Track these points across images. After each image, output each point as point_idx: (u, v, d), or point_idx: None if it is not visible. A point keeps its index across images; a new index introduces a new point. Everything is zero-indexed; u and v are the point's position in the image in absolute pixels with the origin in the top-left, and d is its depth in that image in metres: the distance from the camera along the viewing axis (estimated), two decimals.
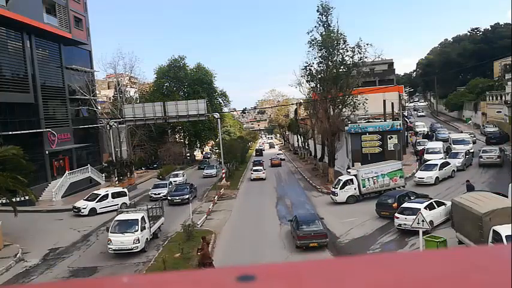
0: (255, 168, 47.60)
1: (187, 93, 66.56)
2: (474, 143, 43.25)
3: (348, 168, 36.13)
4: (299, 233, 20.02)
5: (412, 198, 23.76)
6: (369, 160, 35.96)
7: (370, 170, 29.91)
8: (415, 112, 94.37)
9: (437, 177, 30.89)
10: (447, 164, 32.31)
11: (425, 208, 20.90)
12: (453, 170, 32.37)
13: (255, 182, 44.17)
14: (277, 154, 69.71)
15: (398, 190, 27.81)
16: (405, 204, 22.28)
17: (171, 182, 40.63)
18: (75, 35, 43.62)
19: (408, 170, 35.81)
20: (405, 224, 20.36)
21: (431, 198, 23.14)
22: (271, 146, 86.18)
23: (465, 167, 34.61)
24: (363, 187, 29.25)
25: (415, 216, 18.05)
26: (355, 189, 29.18)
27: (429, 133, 55.08)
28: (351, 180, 29.44)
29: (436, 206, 21.56)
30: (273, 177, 47.38)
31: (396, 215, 21.50)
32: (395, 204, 23.43)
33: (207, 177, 48.70)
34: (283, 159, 63.04)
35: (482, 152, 36.02)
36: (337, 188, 29.55)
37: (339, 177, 31.49)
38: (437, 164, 31.72)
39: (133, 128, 46.84)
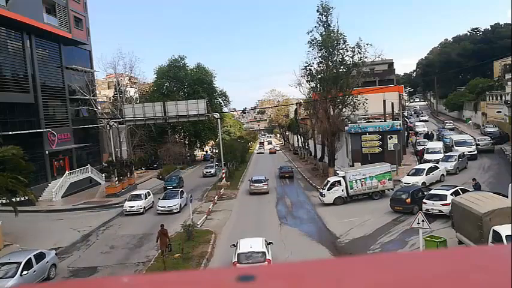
0: (258, 147, 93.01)
1: (187, 93, 66.54)
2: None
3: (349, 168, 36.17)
4: (280, 171, 46.25)
5: (425, 193, 24.71)
6: (369, 160, 35.94)
7: (358, 172, 29.81)
8: (416, 114, 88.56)
9: (423, 183, 30.19)
10: (435, 168, 31.68)
11: (451, 194, 22.30)
12: (442, 175, 31.73)
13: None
14: (274, 147, 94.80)
15: (412, 186, 28.07)
16: (433, 191, 24.30)
17: (41, 255, 18.60)
18: (75, 35, 43.64)
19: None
20: (432, 209, 22.66)
21: (456, 186, 24.21)
22: (269, 143, 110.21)
23: (457, 170, 33.54)
24: (351, 189, 29.15)
25: (441, 202, 21.63)
26: (342, 190, 29.12)
27: (429, 133, 55.02)
28: (339, 181, 29.40)
29: (461, 193, 22.67)
30: (272, 177, 47.35)
31: (424, 200, 23.38)
32: (408, 200, 24.49)
33: (163, 214, 29.47)
34: (278, 150, 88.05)
35: (479, 141, 42.16)
36: (324, 189, 29.58)
37: (328, 179, 31.53)
38: (424, 169, 31.24)
39: (133, 128, 46.84)
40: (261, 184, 36.22)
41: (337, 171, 33.67)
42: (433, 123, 72.28)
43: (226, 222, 27.08)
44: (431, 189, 25.85)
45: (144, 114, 42.35)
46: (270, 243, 18.31)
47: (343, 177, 29.60)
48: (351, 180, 29.20)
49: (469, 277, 0.78)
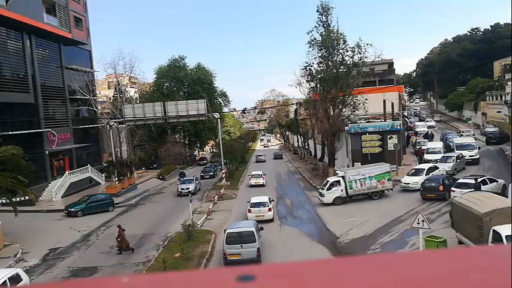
0: (261, 144, 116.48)
1: (187, 93, 66.55)
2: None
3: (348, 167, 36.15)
4: (274, 155, 71.91)
5: (451, 181, 26.68)
6: (369, 160, 35.91)
7: (358, 172, 29.76)
8: (418, 118, 79.43)
9: (448, 171, 31.08)
10: (435, 168, 31.44)
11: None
12: (442, 175, 31.46)
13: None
14: (269, 144, 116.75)
15: (441, 175, 29.35)
16: (461, 180, 25.79)
17: None
18: (75, 35, 43.64)
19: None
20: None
21: (483, 176, 25.94)
22: (268, 141, 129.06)
23: (455, 171, 33.12)
24: (350, 189, 29.09)
25: (468, 190, 21.90)
26: (342, 190, 29.10)
27: (429, 133, 54.96)
28: (338, 181, 29.41)
29: (488, 182, 24.64)
30: (273, 177, 47.40)
31: (452, 188, 24.61)
32: (441, 187, 26.01)
33: None
34: (273, 145, 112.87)
35: (463, 132, 50.18)
36: (324, 189, 29.60)
37: (327, 179, 31.54)
38: (424, 169, 31.12)
39: (133, 128, 46.84)
40: (261, 157, 68.41)
41: (336, 171, 33.70)
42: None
43: (226, 222, 27.05)
44: (456, 178, 27.86)
45: (144, 114, 42.36)
46: (273, 200, 28.37)
47: (343, 177, 29.60)
48: (350, 180, 29.17)
49: (469, 277, 0.78)
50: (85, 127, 46.29)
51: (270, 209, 25.97)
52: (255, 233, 18.55)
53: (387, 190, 29.66)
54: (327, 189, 29.28)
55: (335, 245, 20.86)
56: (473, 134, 48.83)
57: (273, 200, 28.18)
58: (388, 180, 29.62)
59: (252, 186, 39.52)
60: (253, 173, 43.45)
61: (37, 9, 37.66)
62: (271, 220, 25.63)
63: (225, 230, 19.55)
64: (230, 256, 18.15)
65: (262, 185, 39.42)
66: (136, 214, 32.17)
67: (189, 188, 37.16)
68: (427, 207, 25.19)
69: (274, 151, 79.53)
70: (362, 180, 29.21)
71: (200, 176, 47.38)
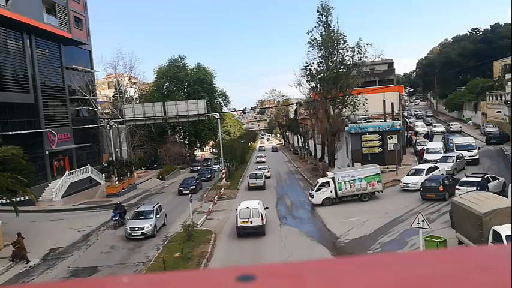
0: (260, 144, 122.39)
1: (187, 93, 66.51)
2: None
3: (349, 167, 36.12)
4: (272, 148, 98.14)
5: (451, 181, 27.14)
6: (369, 160, 35.90)
7: (347, 174, 29.67)
8: (422, 120, 73.58)
9: (448, 171, 31.05)
10: (435, 168, 31.32)
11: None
12: (442, 175, 31.20)
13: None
14: (267, 141, 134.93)
15: (441, 175, 29.56)
16: (464, 178, 26.10)
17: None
18: (75, 35, 43.63)
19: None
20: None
21: (486, 174, 26.39)
22: (267, 139, 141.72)
23: (455, 171, 33.01)
24: (339, 190, 28.93)
25: (474, 188, 22.39)
26: (331, 191, 29.02)
27: (429, 133, 54.92)
28: (328, 182, 29.35)
29: (491, 180, 25.21)
30: (273, 177, 47.38)
31: (457, 186, 24.89)
32: (441, 187, 26.12)
33: None
34: (270, 143, 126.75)
35: (451, 125, 56.27)
36: (313, 190, 29.58)
37: (318, 179, 31.54)
38: (424, 169, 31.03)
39: (133, 128, 46.83)
40: (262, 147, 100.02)
41: (327, 172, 33.72)
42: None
43: (226, 222, 27.06)
44: (455, 178, 28.22)
45: (144, 114, 42.38)
46: (269, 169, 48.00)
47: (332, 178, 29.51)
48: (339, 182, 28.99)
49: (469, 277, 0.78)
50: (85, 127, 46.26)
51: (268, 171, 46.43)
52: (263, 176, 39.53)
53: (377, 192, 29.58)
54: (316, 190, 29.24)
55: (335, 245, 20.85)
56: (460, 127, 58.03)
57: (269, 169, 47.93)
58: (378, 182, 29.35)
59: (257, 163, 61.04)
60: (258, 155, 72.48)
61: (37, 9, 37.66)
62: (268, 177, 44.24)
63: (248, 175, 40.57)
64: (251, 184, 38.36)
65: (264, 162, 60.32)
66: None
67: (143, 229, 23.42)
68: (427, 207, 25.17)
69: (272, 146, 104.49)
70: (351, 181, 29.02)
71: (178, 191, 37.96)
